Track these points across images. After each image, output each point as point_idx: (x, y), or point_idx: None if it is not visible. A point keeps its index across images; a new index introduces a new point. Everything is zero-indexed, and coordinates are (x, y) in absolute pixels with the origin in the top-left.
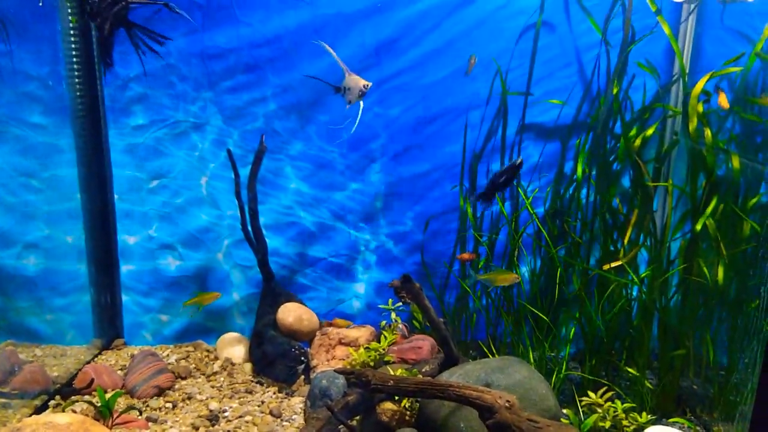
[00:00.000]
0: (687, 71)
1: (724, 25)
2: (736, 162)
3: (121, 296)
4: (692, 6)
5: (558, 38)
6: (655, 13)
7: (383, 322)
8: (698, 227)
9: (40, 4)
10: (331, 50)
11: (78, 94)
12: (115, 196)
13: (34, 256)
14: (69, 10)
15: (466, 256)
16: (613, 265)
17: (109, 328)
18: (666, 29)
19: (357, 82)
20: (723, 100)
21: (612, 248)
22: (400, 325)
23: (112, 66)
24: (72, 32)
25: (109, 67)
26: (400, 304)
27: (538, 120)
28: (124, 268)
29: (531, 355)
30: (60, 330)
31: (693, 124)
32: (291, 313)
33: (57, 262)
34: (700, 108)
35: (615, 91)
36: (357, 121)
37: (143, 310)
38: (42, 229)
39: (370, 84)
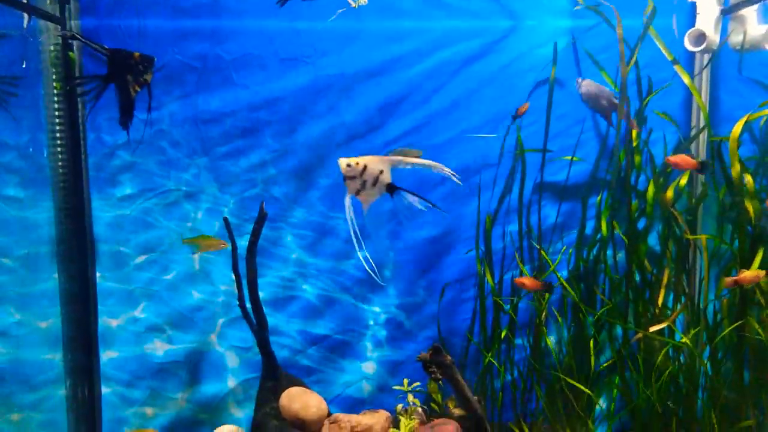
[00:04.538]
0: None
1: (741, 76)
2: None
3: (101, 388)
4: (706, 57)
5: (570, 93)
6: (672, 63)
7: (399, 406)
8: None
9: (23, 65)
10: None
11: (60, 163)
12: (98, 274)
13: (2, 345)
14: (54, 75)
15: (527, 282)
16: (655, 328)
17: (86, 425)
18: (686, 79)
19: None
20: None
21: (645, 310)
22: (419, 409)
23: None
24: (56, 98)
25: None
26: (417, 384)
27: (554, 178)
28: (105, 356)
29: None
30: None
31: (735, 170)
32: (296, 400)
33: (28, 352)
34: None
35: (635, 144)
36: None
37: (126, 403)
38: (12, 314)
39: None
